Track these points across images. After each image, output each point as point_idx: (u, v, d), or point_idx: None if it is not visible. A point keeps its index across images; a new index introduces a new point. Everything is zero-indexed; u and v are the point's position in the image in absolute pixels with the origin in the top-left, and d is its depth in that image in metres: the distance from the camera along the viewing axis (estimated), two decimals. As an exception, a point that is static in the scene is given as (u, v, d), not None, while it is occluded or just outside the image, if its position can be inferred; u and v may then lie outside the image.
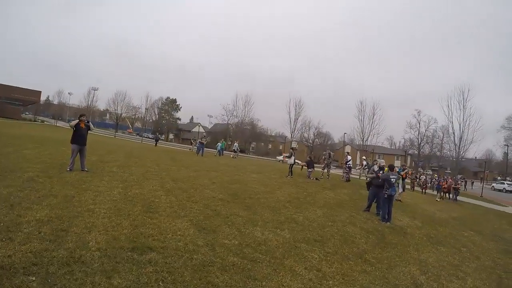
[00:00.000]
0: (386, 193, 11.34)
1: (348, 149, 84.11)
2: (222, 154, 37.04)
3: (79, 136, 12.08)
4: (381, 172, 12.45)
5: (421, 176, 36.34)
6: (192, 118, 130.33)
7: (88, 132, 12.52)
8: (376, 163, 14.49)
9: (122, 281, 4.25)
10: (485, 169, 66.90)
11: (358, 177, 28.70)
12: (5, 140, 20.13)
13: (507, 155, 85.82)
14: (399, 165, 28.04)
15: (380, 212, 11.78)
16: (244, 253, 6.05)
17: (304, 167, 24.43)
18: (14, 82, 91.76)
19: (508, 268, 9.27)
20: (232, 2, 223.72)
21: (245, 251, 6.18)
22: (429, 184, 34.26)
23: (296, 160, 22.80)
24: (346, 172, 23.61)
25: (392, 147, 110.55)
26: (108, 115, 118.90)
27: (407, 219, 12.94)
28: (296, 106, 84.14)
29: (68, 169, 11.48)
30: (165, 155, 26.58)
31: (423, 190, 31.91)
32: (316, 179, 20.54)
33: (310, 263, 6.25)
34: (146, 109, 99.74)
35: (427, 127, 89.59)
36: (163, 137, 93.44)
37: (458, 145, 57.79)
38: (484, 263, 9.31)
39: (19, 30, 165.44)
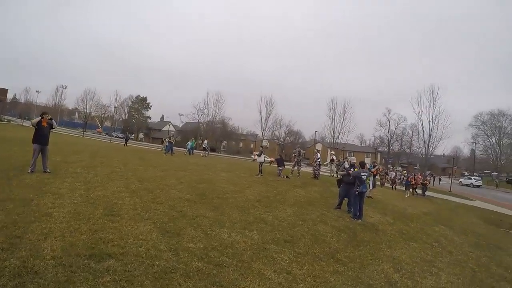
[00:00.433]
0: (357, 191, 11.22)
1: (319, 147, 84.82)
2: (192, 153, 36.55)
3: (40, 136, 11.51)
4: (351, 169, 12.30)
5: (391, 173, 36.69)
6: (162, 117, 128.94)
7: (51, 131, 11.99)
8: (347, 161, 14.36)
9: (77, 293, 3.89)
10: (453, 165, 68.68)
11: (328, 174, 28.76)
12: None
13: (474, 151, 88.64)
14: (370, 162, 28.15)
15: (351, 210, 11.66)
16: (210, 257, 5.72)
17: (272, 163, 24.32)
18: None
19: (480, 262, 9.32)
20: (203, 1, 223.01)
21: (210, 255, 5.85)
22: (398, 180, 34.56)
23: (265, 158, 22.57)
24: (316, 170, 23.58)
25: (362, 145, 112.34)
26: (77, 114, 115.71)
27: (379, 216, 12.85)
28: (267, 104, 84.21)
29: (29, 171, 11.00)
30: (134, 154, 25.88)
31: (393, 186, 32.21)
32: (287, 177, 20.32)
33: (279, 266, 5.97)
34: (115, 107, 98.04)
35: (397, 125, 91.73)
36: (133, 136, 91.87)
37: (427, 142, 58.81)
38: (457, 257, 9.30)
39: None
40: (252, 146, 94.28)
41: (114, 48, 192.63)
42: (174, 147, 34.60)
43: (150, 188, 11.05)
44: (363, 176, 11.44)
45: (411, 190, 27.83)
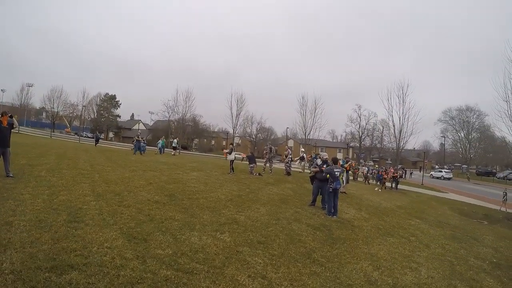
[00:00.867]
0: (331, 187, 11.05)
1: (291, 143, 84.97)
2: (163, 152, 35.91)
3: (0, 137, 10.86)
4: (324, 165, 12.08)
5: (363, 167, 36.92)
6: (132, 115, 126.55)
7: (12, 131, 11.40)
8: (319, 157, 14.15)
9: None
10: (424, 159, 70.04)
11: (299, 170, 28.63)
12: None
13: (444, 145, 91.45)
14: (342, 158, 28.18)
15: (326, 206, 11.45)
16: (179, 264, 5.36)
17: (244, 160, 24.14)
18: None
19: (458, 254, 9.37)
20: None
21: (180, 261, 5.49)
22: (370, 175, 34.78)
23: (236, 155, 22.27)
24: (288, 166, 23.49)
25: (334, 140, 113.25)
26: (44, 114, 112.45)
27: (354, 211, 12.76)
28: (237, 101, 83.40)
29: None
30: (102, 155, 25.12)
31: (366, 181, 32.40)
32: (259, 174, 20.15)
33: (254, 270, 5.66)
34: (83, 106, 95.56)
35: (368, 121, 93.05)
36: (102, 136, 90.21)
37: (398, 137, 59.53)
38: (435, 250, 9.31)
39: None
40: (224, 143, 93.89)
41: (75, 44, 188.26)
42: (146, 146, 33.97)
43: (117, 190, 10.56)
44: (336, 173, 11.26)
45: (383, 184, 28.02)
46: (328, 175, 11.34)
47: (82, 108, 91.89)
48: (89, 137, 78.98)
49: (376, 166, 41.87)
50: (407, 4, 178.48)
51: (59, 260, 4.85)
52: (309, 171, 20.23)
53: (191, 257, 5.73)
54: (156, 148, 38.76)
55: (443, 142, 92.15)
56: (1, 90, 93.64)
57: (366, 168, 36.57)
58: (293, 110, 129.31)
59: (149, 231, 6.82)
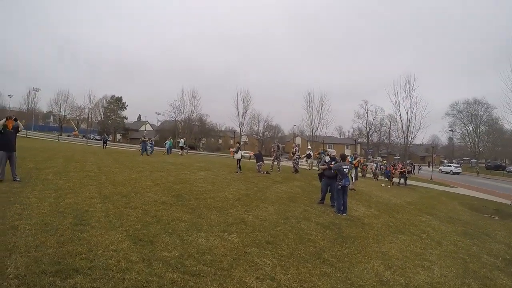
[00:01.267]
0: (339, 184, 10.87)
1: (298, 140, 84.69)
2: (171, 152, 35.88)
3: (5, 141, 10.89)
4: (332, 162, 11.91)
5: (372, 163, 36.62)
6: (139, 116, 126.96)
7: (18, 135, 11.41)
8: (327, 154, 13.98)
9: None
10: (433, 154, 69.28)
11: (307, 168, 28.46)
12: None
13: (453, 139, 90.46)
14: (350, 154, 27.98)
15: (335, 204, 11.28)
16: (186, 267, 5.25)
17: (252, 158, 24.04)
18: None
19: (471, 251, 9.12)
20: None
21: (186, 263, 5.37)
22: (378, 171, 34.45)
23: (243, 154, 22.14)
24: (296, 163, 23.34)
25: (341, 137, 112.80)
26: (52, 117, 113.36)
27: (363, 208, 12.56)
28: (243, 99, 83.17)
29: None
30: (109, 156, 25.04)
31: (375, 177, 32.10)
32: (267, 172, 20.00)
33: (262, 271, 5.52)
34: (90, 109, 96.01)
35: (375, 116, 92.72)
36: (110, 137, 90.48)
37: (406, 132, 59.22)
38: (447, 248, 9.07)
39: None
40: (231, 142, 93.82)
41: (84, 48, 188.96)
42: (154, 147, 34.07)
43: (124, 192, 10.48)
44: (345, 169, 11.09)
45: (391, 180, 27.77)
46: (336, 172, 11.19)
47: (89, 111, 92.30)
48: (97, 140, 79.24)
49: (385, 162, 41.61)
50: (406, 4, 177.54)
51: (64, 264, 4.80)
52: (316, 168, 20.09)
53: (198, 259, 5.62)
54: (163, 148, 38.75)
55: (451, 136, 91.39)
56: (8, 95, 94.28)
57: (375, 164, 36.25)
58: (298, 108, 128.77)
59: (155, 232, 6.73)
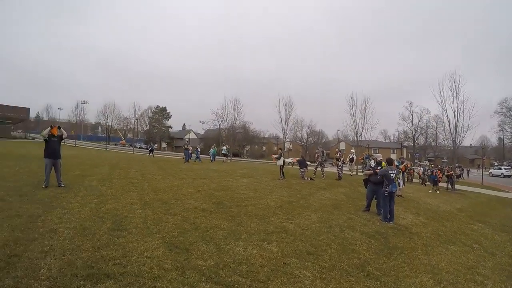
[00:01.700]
0: (386, 191, 10.37)
1: (343, 145, 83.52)
2: (214, 160, 36.18)
3: (50, 149, 11.41)
4: (378, 167, 11.43)
5: (419, 168, 35.50)
6: (184, 125, 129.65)
7: (65, 143, 11.76)
8: (372, 158, 13.48)
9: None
10: (483, 156, 66.38)
11: (349, 174, 27.81)
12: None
13: (503, 140, 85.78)
14: (397, 158, 27.06)
15: (381, 211, 10.79)
16: (220, 277, 5.01)
17: (294, 164, 23.72)
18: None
19: None
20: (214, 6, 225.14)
21: (221, 273, 5.14)
22: (426, 176, 33.15)
23: (290, 161, 21.83)
24: (340, 169, 22.76)
25: (386, 141, 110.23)
26: (99, 128, 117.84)
27: (411, 216, 11.96)
28: (286, 105, 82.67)
29: (43, 186, 10.99)
30: (154, 164, 25.50)
31: (423, 183, 30.99)
32: (311, 179, 19.60)
33: (301, 284, 5.17)
34: (135, 119, 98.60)
35: (420, 118, 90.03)
36: (156, 146, 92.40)
37: (453, 133, 57.16)
38: (501, 260, 8.29)
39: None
40: (275, 149, 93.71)
41: (128, 61, 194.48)
42: (200, 155, 35.08)
43: (164, 199, 10.55)
44: (391, 175, 10.58)
45: (437, 184, 26.63)
46: (383, 178, 10.72)
47: (135, 121, 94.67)
48: (143, 148, 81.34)
49: (432, 165, 40.27)
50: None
51: (96, 269, 4.82)
52: (361, 173, 19.55)
53: (234, 269, 5.36)
54: (208, 156, 39.08)
55: (501, 136, 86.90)
56: (58, 108, 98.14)
57: (422, 169, 35.03)
58: (342, 113, 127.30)
59: (192, 240, 6.59)
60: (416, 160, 79.45)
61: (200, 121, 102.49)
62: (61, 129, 12.02)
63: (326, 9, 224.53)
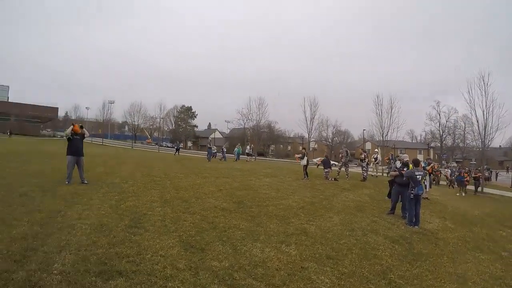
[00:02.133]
0: (412, 193, 10.02)
1: (368, 145, 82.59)
2: (239, 159, 36.30)
3: (73, 147, 11.70)
4: (405, 168, 11.10)
5: (446, 169, 34.72)
6: (209, 124, 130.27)
7: (89, 141, 11.98)
8: (398, 159, 13.13)
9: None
10: (512, 158, 64.68)
11: (373, 175, 27.31)
12: (14, 156, 20.77)
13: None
14: (423, 159, 26.38)
15: (406, 215, 10.46)
16: (234, 279, 4.84)
17: (319, 165, 23.42)
18: (28, 100, 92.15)
19: None
20: (241, 6, 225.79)
21: (235, 276, 4.96)
22: (453, 178, 32.28)
23: (308, 160, 21.46)
24: (364, 170, 22.32)
25: (413, 141, 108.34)
26: (126, 127, 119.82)
27: (437, 221, 11.55)
28: (311, 105, 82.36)
29: (66, 183, 11.25)
30: (178, 163, 25.70)
31: (450, 185, 30.21)
32: (335, 179, 19.35)
33: (317, 291, 4.95)
34: (161, 118, 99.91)
35: (448, 118, 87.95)
36: (181, 145, 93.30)
37: (483, 134, 55.75)
38: (531, 269, 7.83)
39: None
40: (300, 148, 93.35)
41: (150, 62, 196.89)
42: (226, 154, 35.80)
43: (185, 197, 10.54)
44: (418, 176, 10.22)
45: (464, 187, 25.89)
46: (409, 179, 10.38)
47: (160, 120, 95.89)
48: (169, 147, 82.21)
49: (459, 166, 39.35)
50: None
51: (109, 265, 4.81)
52: (380, 174, 19.13)
53: (249, 272, 5.18)
54: (233, 155, 39.14)
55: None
56: (86, 107, 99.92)
57: (449, 170, 34.17)
58: (367, 112, 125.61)
59: (209, 240, 6.48)
60: (443, 162, 77.83)
61: (225, 121, 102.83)
62: (84, 129, 12.32)
63: (353, 10, 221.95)
